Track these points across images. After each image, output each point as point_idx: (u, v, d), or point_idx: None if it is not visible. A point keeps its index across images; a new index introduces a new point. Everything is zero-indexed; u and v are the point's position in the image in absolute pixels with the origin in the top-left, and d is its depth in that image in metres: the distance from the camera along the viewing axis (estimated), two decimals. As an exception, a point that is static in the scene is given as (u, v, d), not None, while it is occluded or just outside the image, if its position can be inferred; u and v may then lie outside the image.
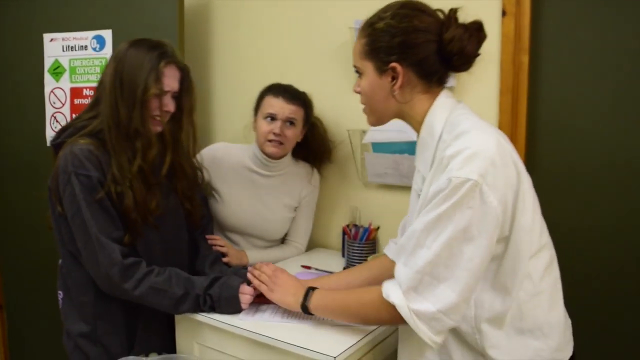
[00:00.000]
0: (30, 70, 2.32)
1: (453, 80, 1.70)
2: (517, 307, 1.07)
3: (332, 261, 1.92)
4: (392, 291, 1.05)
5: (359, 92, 1.20)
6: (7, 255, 2.49)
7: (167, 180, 1.51)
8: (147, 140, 1.39)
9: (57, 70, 2.27)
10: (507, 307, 1.06)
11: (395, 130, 1.84)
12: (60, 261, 1.49)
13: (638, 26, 1.58)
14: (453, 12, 1.10)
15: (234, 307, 1.37)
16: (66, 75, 2.26)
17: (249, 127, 1.94)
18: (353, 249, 1.77)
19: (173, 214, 1.53)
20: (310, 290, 1.26)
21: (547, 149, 1.75)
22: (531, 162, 1.75)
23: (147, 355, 1.40)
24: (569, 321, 1.19)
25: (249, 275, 1.39)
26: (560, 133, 1.73)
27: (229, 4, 2.31)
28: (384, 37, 1.09)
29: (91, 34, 2.21)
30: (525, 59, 1.71)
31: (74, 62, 2.24)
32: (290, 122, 1.81)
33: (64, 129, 1.44)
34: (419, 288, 1.01)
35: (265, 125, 1.80)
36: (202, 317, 1.38)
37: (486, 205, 0.99)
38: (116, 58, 1.40)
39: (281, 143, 1.81)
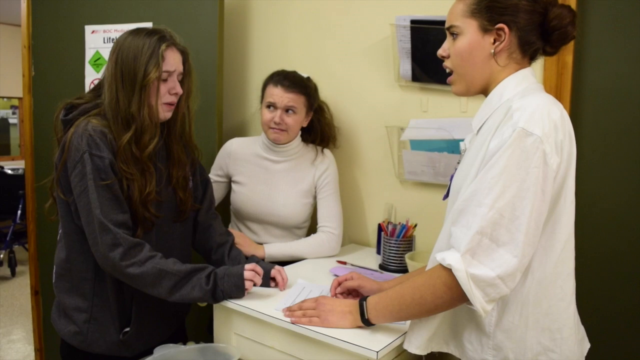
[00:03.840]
0: (71, 61, 2.35)
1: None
2: (535, 293, 1.05)
3: (367, 258, 1.92)
4: (448, 254, 1.02)
5: (444, 57, 1.19)
6: (43, 243, 2.54)
7: (161, 167, 1.50)
8: (140, 125, 1.39)
9: (97, 62, 2.31)
10: (528, 289, 1.05)
11: (434, 127, 1.83)
12: (59, 234, 1.48)
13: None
14: None
15: (238, 286, 1.38)
16: (106, 67, 2.29)
17: (258, 115, 1.98)
18: (389, 246, 1.76)
19: (167, 203, 1.51)
20: (363, 301, 1.21)
21: (590, 149, 1.72)
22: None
23: (184, 344, 1.42)
24: (583, 331, 1.17)
25: (293, 320, 1.29)
26: (603, 133, 1.71)
27: (268, -1, 2.33)
28: None
29: (132, 26, 2.23)
30: (569, 58, 1.69)
31: (115, 53, 2.27)
32: (290, 109, 1.85)
33: (72, 106, 1.45)
34: (478, 251, 0.99)
35: (267, 114, 1.87)
36: (240, 307, 1.38)
37: (547, 167, 0.99)
38: (116, 49, 1.42)
39: (283, 130, 1.86)
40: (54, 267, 1.50)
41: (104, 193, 1.34)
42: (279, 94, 1.84)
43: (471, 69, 1.14)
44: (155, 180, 1.44)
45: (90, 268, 1.42)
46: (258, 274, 1.45)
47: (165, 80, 1.42)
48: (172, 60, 1.43)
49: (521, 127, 0.98)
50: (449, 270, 1.01)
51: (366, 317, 1.20)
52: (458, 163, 1.23)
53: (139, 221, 1.41)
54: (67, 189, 1.39)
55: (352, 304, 1.25)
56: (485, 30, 1.11)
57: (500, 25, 1.10)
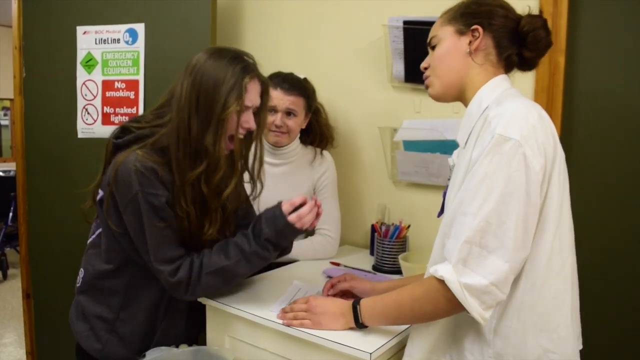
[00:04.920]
0: (62, 62, 2.34)
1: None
2: (529, 296, 1.05)
3: (361, 259, 1.92)
4: (440, 266, 1.02)
5: (426, 68, 1.22)
6: (35, 245, 2.52)
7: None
8: (214, 161, 1.27)
9: (89, 63, 2.29)
10: (522, 293, 1.05)
11: (427, 128, 1.83)
12: (92, 239, 1.43)
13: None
14: (529, 9, 1.18)
15: (294, 232, 1.34)
16: (98, 68, 2.28)
17: None
18: (383, 247, 1.76)
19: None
20: (356, 304, 1.20)
21: (582, 149, 1.72)
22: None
23: (177, 347, 1.41)
24: (579, 331, 1.16)
25: (285, 322, 1.27)
26: (595, 134, 1.71)
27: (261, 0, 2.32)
28: (471, 5, 1.17)
29: (124, 27, 2.23)
30: (561, 59, 1.69)
31: (107, 54, 2.26)
32: (290, 112, 1.84)
33: (126, 129, 1.35)
34: (468, 260, 0.99)
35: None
36: (233, 309, 1.37)
37: (530, 169, 0.99)
38: (194, 69, 1.29)
39: (284, 132, 1.85)
40: (82, 271, 1.44)
41: (160, 232, 1.27)
42: (279, 97, 1.82)
43: (447, 70, 1.17)
44: (220, 222, 1.36)
45: (123, 284, 1.38)
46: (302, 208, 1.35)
47: (238, 113, 1.30)
48: (253, 96, 1.33)
49: (499, 133, 0.99)
50: (443, 282, 1.01)
51: (360, 321, 1.19)
52: (449, 179, 1.23)
53: (190, 248, 1.36)
54: (118, 221, 1.31)
55: (345, 305, 1.24)
56: (461, 33, 1.16)
57: (475, 26, 1.14)
